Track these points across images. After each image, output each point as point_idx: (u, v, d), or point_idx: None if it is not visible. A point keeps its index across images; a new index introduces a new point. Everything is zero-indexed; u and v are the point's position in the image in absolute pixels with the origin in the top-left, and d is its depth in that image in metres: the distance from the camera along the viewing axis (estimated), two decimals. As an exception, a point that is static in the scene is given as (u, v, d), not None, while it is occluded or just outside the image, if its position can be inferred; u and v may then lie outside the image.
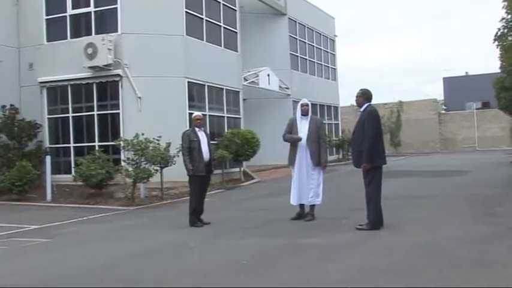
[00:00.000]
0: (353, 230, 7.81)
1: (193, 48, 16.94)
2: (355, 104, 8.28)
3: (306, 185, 9.03)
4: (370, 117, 7.81)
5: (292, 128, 9.22)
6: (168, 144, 12.88)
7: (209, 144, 9.39)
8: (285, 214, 9.26)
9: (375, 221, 7.76)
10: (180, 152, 12.74)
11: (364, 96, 8.03)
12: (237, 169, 18.49)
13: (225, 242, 7.56)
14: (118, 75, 15.74)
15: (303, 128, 9.08)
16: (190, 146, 9.08)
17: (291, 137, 9.11)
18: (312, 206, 9.10)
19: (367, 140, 7.66)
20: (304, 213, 9.13)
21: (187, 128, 15.71)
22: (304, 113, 9.18)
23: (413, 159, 30.75)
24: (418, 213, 9.44)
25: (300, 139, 8.96)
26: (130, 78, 15.72)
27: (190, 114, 16.09)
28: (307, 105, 9.21)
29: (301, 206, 9.19)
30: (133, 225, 9.76)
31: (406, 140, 39.81)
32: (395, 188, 13.89)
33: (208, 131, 9.82)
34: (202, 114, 9.86)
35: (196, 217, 9.12)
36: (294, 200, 9.19)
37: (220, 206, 9.52)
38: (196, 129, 9.26)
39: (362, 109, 7.99)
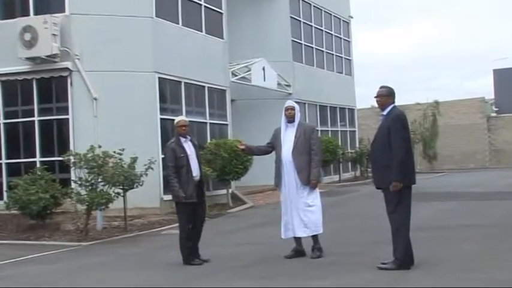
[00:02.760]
0: (374, 270, 7.85)
1: (166, 35, 17.04)
2: (376, 105, 8.35)
3: (298, 211, 9.07)
4: (398, 123, 7.88)
5: (276, 140, 9.31)
6: (134, 160, 12.92)
7: (199, 159, 9.45)
8: (286, 249, 9.27)
9: (404, 259, 7.82)
10: (149, 170, 12.96)
11: (391, 95, 8.11)
12: (224, 191, 18.54)
13: (209, 286, 7.57)
14: (66, 69, 15.79)
15: (288, 138, 9.16)
16: (177, 165, 9.10)
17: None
18: (315, 237, 9.13)
19: (397, 150, 7.72)
20: (302, 249, 9.17)
21: (158, 137, 15.98)
22: (290, 119, 9.25)
23: (454, 176, 30.84)
24: (460, 249, 9.49)
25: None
26: (83, 73, 15.77)
27: (162, 120, 16.30)
28: (292, 108, 9.26)
29: (298, 239, 9.22)
30: (88, 266, 9.75)
31: (444, 152, 39.90)
32: (430, 215, 13.93)
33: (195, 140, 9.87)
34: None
35: (192, 253, 9.14)
36: (284, 233, 9.23)
37: (203, 240, 9.52)
38: (182, 139, 9.29)
39: (386, 112, 8.06)
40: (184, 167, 9.08)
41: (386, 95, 8.11)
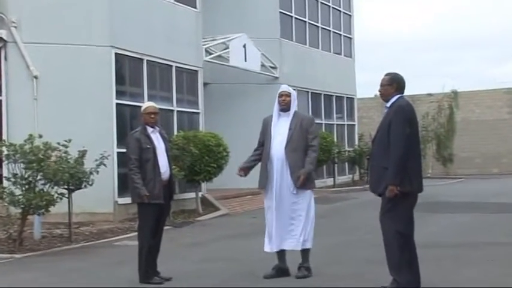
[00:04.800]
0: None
1: (125, 0, 16.97)
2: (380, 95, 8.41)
3: (290, 219, 9.08)
4: (399, 116, 7.91)
5: (265, 132, 9.30)
6: (82, 154, 12.86)
7: (168, 153, 9.51)
8: (264, 266, 9.31)
9: (407, 280, 7.82)
10: (101, 166, 12.89)
11: (394, 84, 8.16)
12: (192, 194, 18.52)
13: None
14: (0, 39, 15.71)
15: (280, 131, 9.16)
16: (141, 158, 9.11)
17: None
18: (305, 255, 9.14)
19: (396, 148, 7.75)
20: (286, 267, 9.18)
21: (113, 127, 15.93)
22: (284, 107, 9.26)
23: (474, 183, 31.01)
24: (480, 272, 9.52)
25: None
26: (21, 45, 15.71)
27: (119, 105, 16.23)
28: (288, 94, 9.27)
29: (281, 254, 9.23)
30: (21, 283, 9.66)
31: (463, 154, 40.09)
32: (443, 230, 14.01)
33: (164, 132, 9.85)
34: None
35: (151, 268, 9.12)
36: (268, 245, 9.23)
37: (165, 253, 9.48)
38: (149, 129, 9.32)
39: (389, 104, 8.11)
40: (150, 160, 9.10)
41: (387, 84, 8.16)
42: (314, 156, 9.16)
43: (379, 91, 8.24)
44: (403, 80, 8.24)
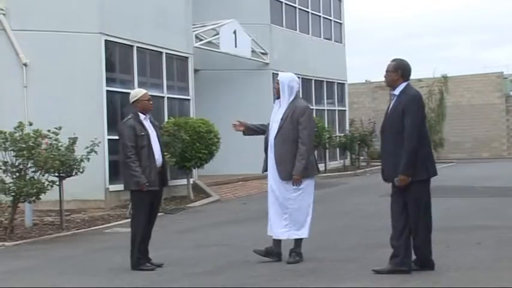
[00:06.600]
0: (362, 279, 7.88)
1: (115, -13, 16.89)
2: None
3: (281, 207, 9.11)
4: (415, 106, 8.05)
5: (269, 119, 9.39)
6: (73, 141, 12.84)
7: (160, 141, 9.53)
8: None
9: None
10: (92, 153, 12.86)
11: (399, 71, 8.24)
12: (184, 181, 18.53)
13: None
14: (-11, 27, 15.65)
15: (275, 119, 9.20)
16: (137, 145, 9.11)
17: None
18: (298, 241, 9.16)
19: (410, 138, 7.83)
20: (275, 251, 9.20)
21: (103, 114, 15.90)
22: (276, 96, 9.34)
23: (464, 168, 31.12)
24: (470, 255, 9.57)
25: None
26: (10, 32, 15.66)
27: (109, 92, 16.19)
28: (277, 82, 9.32)
29: (277, 241, 9.22)
30: (12, 271, 9.65)
31: (453, 138, 40.16)
32: (434, 215, 13.99)
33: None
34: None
35: (143, 255, 9.13)
36: (268, 229, 9.32)
37: (157, 240, 9.50)
38: (142, 117, 9.32)
39: (397, 91, 8.18)
40: (145, 147, 9.12)
41: (392, 71, 8.24)
42: (304, 149, 9.02)
43: (384, 77, 8.28)
44: (409, 66, 8.37)
